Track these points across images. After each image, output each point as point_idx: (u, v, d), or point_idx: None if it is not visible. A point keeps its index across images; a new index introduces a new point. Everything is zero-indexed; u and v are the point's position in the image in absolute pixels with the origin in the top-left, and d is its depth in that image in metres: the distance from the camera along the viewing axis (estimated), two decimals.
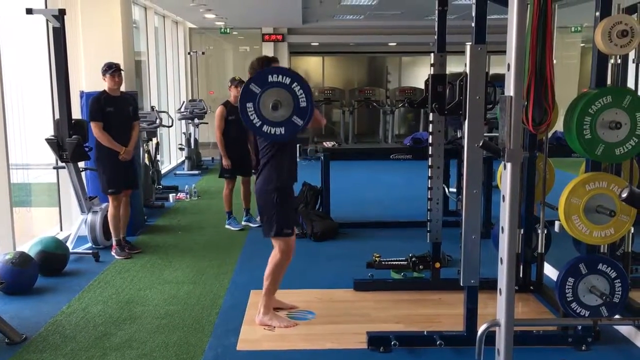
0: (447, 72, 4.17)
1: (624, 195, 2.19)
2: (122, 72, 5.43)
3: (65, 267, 5.10)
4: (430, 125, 4.35)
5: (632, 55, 3.72)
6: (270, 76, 3.54)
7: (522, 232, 4.25)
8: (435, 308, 4.28)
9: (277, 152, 3.78)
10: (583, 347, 3.57)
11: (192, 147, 10.82)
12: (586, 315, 3.44)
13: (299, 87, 3.54)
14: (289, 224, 3.90)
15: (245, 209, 6.70)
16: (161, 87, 11.11)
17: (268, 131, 3.58)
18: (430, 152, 4.36)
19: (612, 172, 3.58)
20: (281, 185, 3.80)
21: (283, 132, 3.59)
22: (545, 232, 4.15)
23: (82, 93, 6.06)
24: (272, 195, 3.78)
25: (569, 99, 3.39)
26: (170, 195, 8.22)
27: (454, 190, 7.02)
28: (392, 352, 3.56)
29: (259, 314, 3.98)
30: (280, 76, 3.54)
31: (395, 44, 14.77)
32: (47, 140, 5.31)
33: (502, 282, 2.31)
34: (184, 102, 11.63)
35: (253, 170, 6.29)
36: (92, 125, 5.31)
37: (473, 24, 3.33)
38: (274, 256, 3.93)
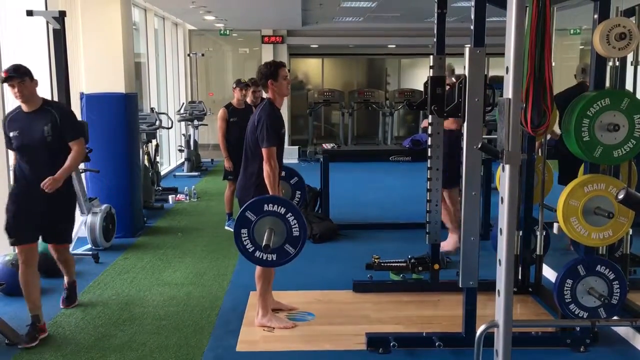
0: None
1: (620, 196, 2.19)
2: (29, 80, 3.79)
3: None
4: (430, 127, 4.36)
5: (630, 57, 3.73)
6: (266, 205, 3.63)
7: (520, 234, 4.26)
8: (434, 309, 4.29)
9: (257, 158, 3.84)
10: (581, 349, 3.58)
11: (192, 148, 10.83)
12: (584, 316, 3.45)
13: (292, 217, 3.63)
14: None
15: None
16: (161, 89, 11.12)
17: (260, 257, 3.66)
18: (429, 154, 4.37)
19: (610, 174, 3.60)
20: (262, 183, 3.83)
21: (274, 258, 3.68)
22: (544, 233, 4.16)
23: (82, 94, 6.07)
24: (251, 192, 3.83)
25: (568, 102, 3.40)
26: (170, 197, 8.23)
27: None
28: (391, 353, 3.57)
29: (257, 316, 3.99)
30: (276, 205, 3.63)
31: (394, 46, 14.78)
32: None
33: (501, 283, 2.32)
34: (183, 103, 11.64)
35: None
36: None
37: (472, 27, 3.34)
38: None
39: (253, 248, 3.63)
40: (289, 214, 3.63)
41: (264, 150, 3.77)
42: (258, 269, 3.96)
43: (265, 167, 3.77)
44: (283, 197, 3.94)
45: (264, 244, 3.55)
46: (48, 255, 4.90)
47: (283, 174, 4.30)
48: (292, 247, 3.66)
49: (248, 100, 6.56)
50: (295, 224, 3.63)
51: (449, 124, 5.13)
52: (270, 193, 3.76)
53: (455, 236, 5.62)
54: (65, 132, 3.86)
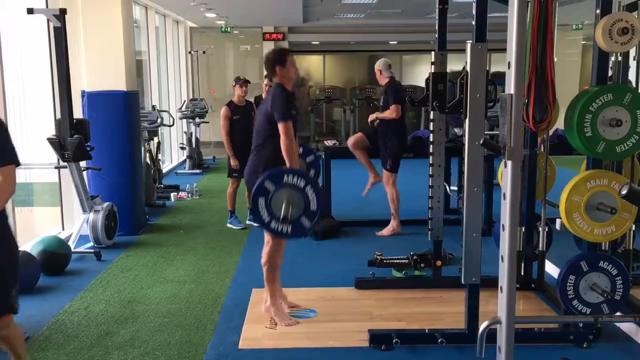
0: (448, 71, 4.17)
1: (624, 192, 2.19)
2: None
3: (67, 267, 5.11)
4: (431, 123, 4.35)
5: (632, 52, 3.72)
6: (286, 176, 3.63)
7: (523, 230, 4.25)
8: (437, 306, 4.29)
9: (269, 142, 3.82)
10: (584, 345, 3.57)
11: (194, 146, 10.83)
12: (587, 312, 3.44)
13: (312, 190, 3.63)
14: None
15: (250, 208, 6.69)
16: (162, 87, 11.12)
17: (275, 227, 3.66)
18: (431, 150, 4.37)
19: (613, 169, 3.58)
20: (275, 161, 3.81)
21: (289, 231, 3.67)
22: (547, 229, 4.15)
23: (83, 92, 6.07)
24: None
25: (570, 97, 3.39)
26: (172, 195, 8.23)
27: (455, 188, 7.02)
28: (393, 350, 3.57)
29: (265, 302, 4.05)
30: (295, 178, 3.63)
31: (396, 42, 14.76)
32: (49, 139, 5.31)
33: (503, 279, 2.31)
34: (185, 101, 11.64)
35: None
36: None
37: (474, 22, 3.33)
38: (267, 244, 3.99)
39: (269, 218, 3.62)
40: (308, 187, 3.62)
41: (280, 126, 3.74)
42: (264, 255, 3.98)
43: (284, 141, 3.73)
44: (302, 170, 3.92)
45: (282, 215, 3.55)
46: (49, 251, 4.93)
47: (300, 150, 4.28)
48: (309, 220, 3.65)
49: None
50: (313, 198, 3.62)
51: (389, 113, 5.88)
52: (288, 164, 3.74)
53: (395, 222, 6.08)
54: None
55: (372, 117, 6.13)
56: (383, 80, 6.07)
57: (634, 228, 3.81)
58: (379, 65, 6.07)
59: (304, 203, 3.63)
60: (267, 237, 3.98)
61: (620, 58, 3.56)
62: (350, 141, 6.31)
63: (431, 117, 4.33)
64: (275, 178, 3.63)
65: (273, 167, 3.79)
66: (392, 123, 5.95)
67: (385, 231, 6.19)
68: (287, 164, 3.75)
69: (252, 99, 7.16)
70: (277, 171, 3.68)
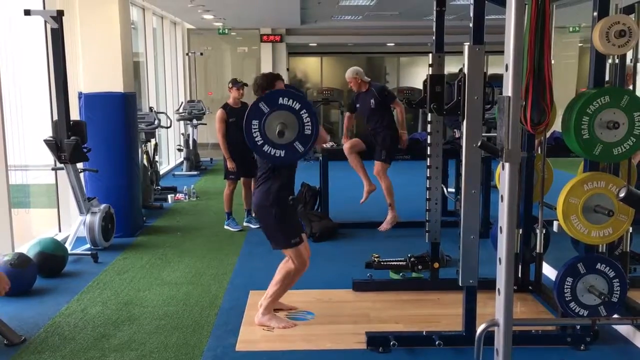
0: (445, 72, 4.17)
1: (622, 195, 2.19)
2: None
3: (64, 268, 5.09)
4: (429, 125, 4.35)
5: (629, 55, 3.72)
6: (281, 98, 3.57)
7: (520, 232, 4.25)
8: (434, 308, 4.28)
9: (276, 167, 3.77)
10: (582, 347, 3.57)
11: (191, 147, 10.81)
12: (585, 314, 3.44)
13: (307, 114, 3.58)
14: (295, 233, 3.85)
15: (247, 209, 6.70)
16: (159, 88, 11.11)
17: (268, 151, 3.59)
18: (428, 152, 4.37)
19: (610, 171, 3.59)
20: (279, 201, 3.77)
21: (283, 154, 3.60)
22: (544, 232, 4.16)
23: (80, 94, 6.06)
24: (272, 211, 3.76)
25: (567, 99, 3.40)
26: (169, 196, 8.22)
27: (453, 190, 7.02)
28: (391, 352, 3.57)
29: (258, 314, 3.98)
30: (291, 100, 3.57)
31: (393, 44, 14.78)
32: (46, 141, 5.30)
33: (501, 282, 2.31)
34: (182, 102, 11.63)
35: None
36: None
37: (471, 24, 3.33)
38: (287, 264, 3.90)
39: (262, 141, 3.55)
40: (303, 111, 3.56)
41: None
42: (280, 273, 3.89)
43: None
44: (298, 93, 3.82)
45: (277, 130, 3.48)
46: (46, 253, 4.92)
47: None
48: (302, 145, 3.58)
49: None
50: (308, 122, 3.56)
51: (401, 113, 6.38)
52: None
53: (392, 212, 6.18)
54: None
55: (405, 137, 6.34)
56: (364, 86, 6.40)
57: (631, 230, 3.81)
58: (354, 74, 6.37)
59: (298, 127, 3.56)
60: (288, 258, 3.87)
61: (617, 60, 3.56)
62: (347, 145, 6.34)
63: (429, 119, 4.34)
64: (270, 101, 3.54)
65: (279, 200, 3.73)
66: (386, 118, 6.28)
67: (386, 224, 6.24)
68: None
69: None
70: (271, 93, 3.60)
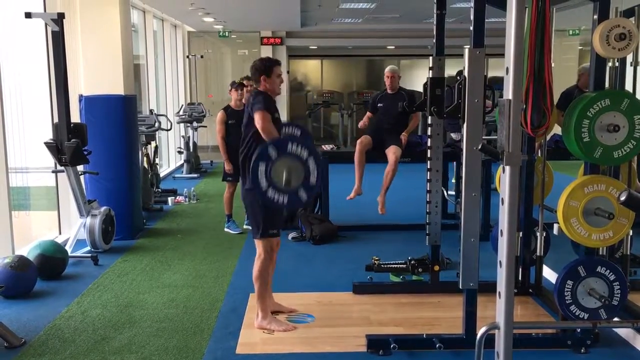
0: (446, 75, 4.18)
1: (623, 198, 2.19)
2: None
3: (64, 271, 5.09)
4: (429, 128, 4.35)
5: (630, 58, 3.73)
6: (290, 144, 3.57)
7: (521, 235, 4.25)
8: (435, 311, 4.28)
9: (252, 145, 3.78)
10: (582, 350, 3.57)
11: (191, 150, 10.82)
12: (585, 317, 3.44)
13: (314, 163, 3.58)
14: (275, 225, 3.91)
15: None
16: (160, 91, 11.12)
17: (271, 195, 3.59)
18: (429, 155, 4.37)
19: (610, 174, 3.59)
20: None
21: (285, 201, 3.61)
22: (544, 234, 4.15)
23: (81, 97, 6.07)
24: (257, 199, 3.77)
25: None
26: (169, 199, 8.22)
27: (453, 193, 7.02)
28: (391, 355, 3.56)
29: (257, 318, 3.98)
30: (300, 148, 3.57)
31: (393, 47, 14.80)
32: (46, 143, 5.30)
33: (501, 285, 2.31)
34: (182, 105, 11.64)
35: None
36: None
37: (471, 27, 3.34)
38: (258, 257, 3.95)
39: (267, 185, 3.55)
40: (311, 159, 3.56)
41: (256, 115, 3.68)
42: (255, 270, 3.94)
43: (261, 126, 3.64)
44: (308, 141, 3.83)
45: (284, 177, 3.48)
46: (46, 256, 4.92)
47: (298, 132, 4.22)
48: (306, 193, 3.59)
49: (244, 100, 6.58)
50: (314, 171, 3.57)
51: (415, 124, 6.41)
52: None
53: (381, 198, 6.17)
54: None
55: (405, 138, 6.28)
56: (396, 87, 6.38)
57: (631, 233, 3.81)
58: (397, 72, 6.44)
59: (304, 175, 3.56)
60: (258, 250, 3.94)
61: (617, 64, 3.57)
62: (361, 142, 6.25)
63: (429, 122, 4.34)
64: (280, 146, 3.54)
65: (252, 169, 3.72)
66: (406, 122, 6.31)
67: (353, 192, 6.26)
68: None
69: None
70: (282, 140, 3.60)
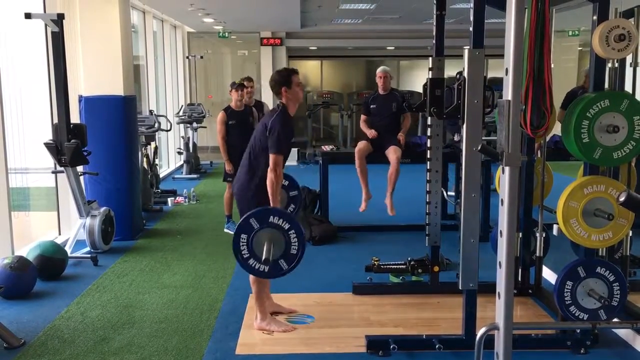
0: (445, 76, 4.18)
1: (622, 199, 2.19)
2: None
3: (63, 272, 5.09)
4: (429, 129, 4.35)
5: (629, 59, 3.73)
6: (272, 217, 3.61)
7: (520, 236, 4.25)
8: (434, 312, 4.28)
9: (262, 161, 3.82)
10: (582, 351, 3.57)
11: (191, 151, 10.82)
12: (585, 318, 3.44)
13: (294, 234, 3.62)
14: None
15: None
16: (160, 91, 11.12)
17: (253, 265, 3.64)
18: (428, 156, 4.37)
19: (610, 175, 3.59)
20: (260, 191, 3.81)
21: (266, 270, 3.65)
22: (544, 235, 4.16)
23: (80, 97, 6.07)
24: (253, 202, 3.80)
25: None
26: (169, 199, 8.22)
27: (453, 193, 7.02)
28: (391, 356, 3.56)
29: (256, 319, 3.98)
30: (281, 220, 3.61)
31: (393, 47, 14.80)
32: (46, 144, 5.31)
33: (501, 285, 2.32)
34: (182, 106, 11.64)
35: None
36: None
37: (471, 28, 3.34)
38: None
39: (248, 255, 3.62)
40: (292, 231, 3.62)
41: (271, 156, 3.75)
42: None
43: (270, 175, 3.74)
44: (289, 212, 3.91)
45: (264, 256, 3.55)
46: (46, 256, 4.91)
47: (285, 183, 4.30)
48: (287, 263, 3.65)
49: (244, 101, 6.58)
50: (295, 242, 3.62)
51: (408, 124, 6.42)
52: (271, 200, 3.74)
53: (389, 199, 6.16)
54: None
55: (402, 138, 6.31)
56: (388, 87, 6.38)
57: (631, 234, 3.81)
58: (389, 72, 6.40)
59: (285, 246, 3.62)
60: None
61: (617, 64, 3.57)
62: (359, 149, 6.25)
63: (429, 122, 4.34)
64: (261, 218, 3.61)
65: (260, 190, 3.79)
66: (399, 122, 6.37)
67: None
68: (270, 198, 3.74)
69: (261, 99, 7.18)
70: (263, 211, 3.65)
